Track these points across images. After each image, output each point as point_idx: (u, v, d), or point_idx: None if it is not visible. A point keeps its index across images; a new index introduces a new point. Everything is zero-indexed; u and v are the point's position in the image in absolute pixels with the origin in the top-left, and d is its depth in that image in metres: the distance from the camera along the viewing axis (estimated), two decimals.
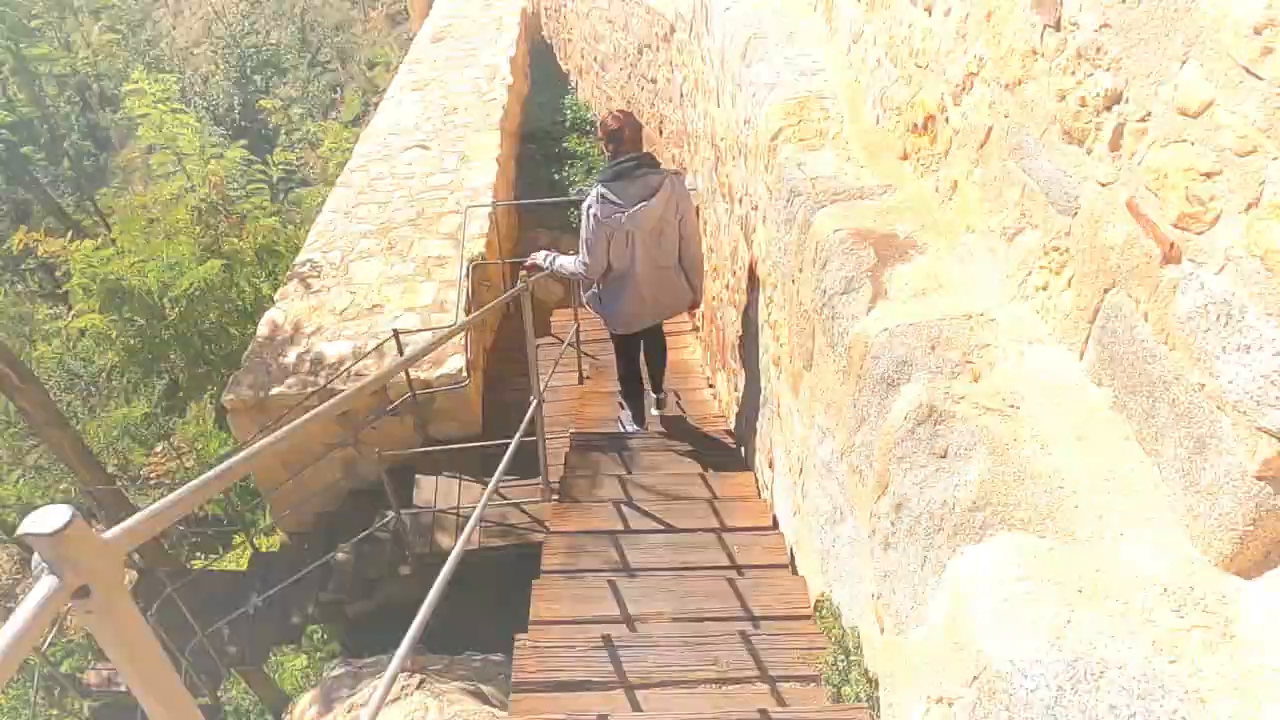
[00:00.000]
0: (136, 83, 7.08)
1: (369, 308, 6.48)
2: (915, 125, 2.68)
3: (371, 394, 5.95)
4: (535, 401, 3.77)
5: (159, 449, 11.91)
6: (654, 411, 5.40)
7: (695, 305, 4.51)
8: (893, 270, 2.28)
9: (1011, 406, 1.77)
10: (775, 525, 3.22)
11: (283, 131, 10.78)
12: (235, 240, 8.30)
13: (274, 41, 16.26)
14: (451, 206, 7.53)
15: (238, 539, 7.89)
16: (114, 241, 8.33)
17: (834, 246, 2.41)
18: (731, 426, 4.79)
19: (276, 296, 6.80)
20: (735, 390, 4.62)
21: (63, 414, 8.68)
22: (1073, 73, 1.77)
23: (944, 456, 1.75)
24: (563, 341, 6.66)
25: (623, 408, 5.33)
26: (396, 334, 5.40)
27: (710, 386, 5.87)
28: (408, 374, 5.66)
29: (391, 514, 5.91)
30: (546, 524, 4.19)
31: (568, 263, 4.39)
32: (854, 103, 3.25)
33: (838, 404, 2.34)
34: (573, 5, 10.20)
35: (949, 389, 1.83)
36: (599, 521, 3.37)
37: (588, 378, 6.30)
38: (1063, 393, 1.74)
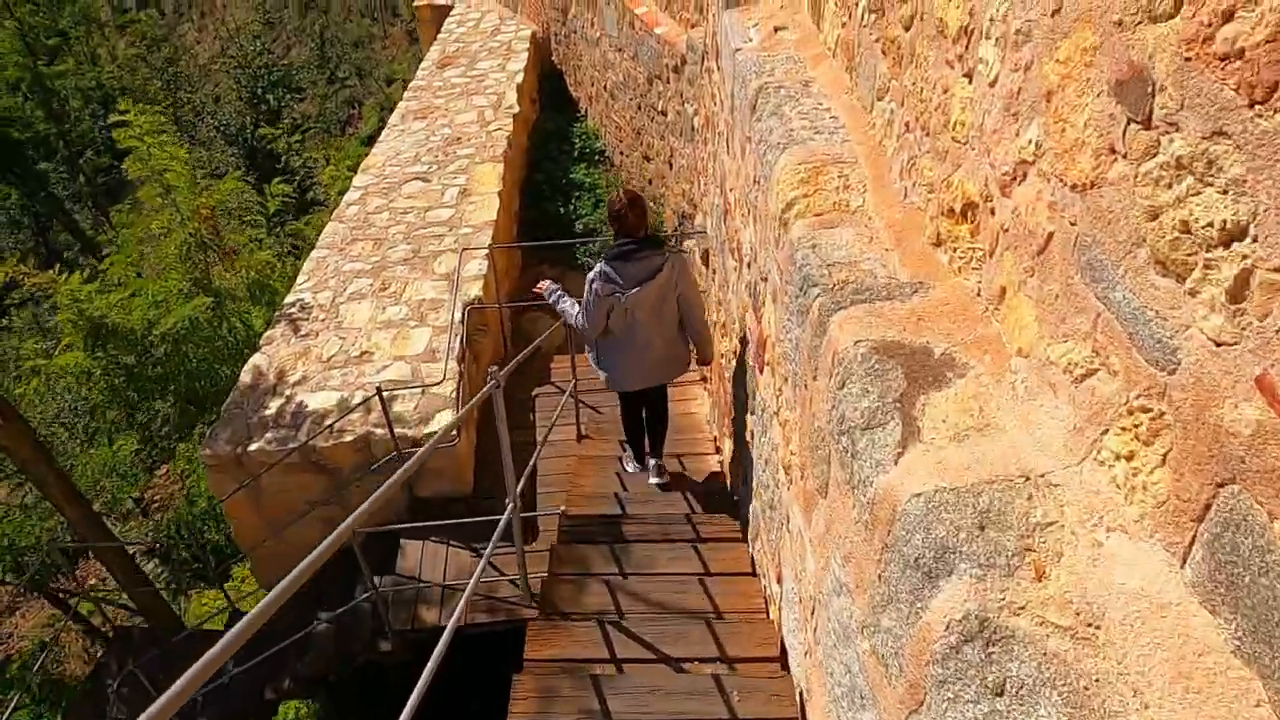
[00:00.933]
0: (125, 113, 6.79)
1: (357, 355, 6.13)
2: (951, 210, 2.26)
3: (355, 450, 5.59)
4: (511, 505, 3.35)
5: (163, 470, 11.61)
6: (653, 480, 5.09)
7: (705, 362, 4.68)
8: (926, 399, 1.86)
9: (1090, 626, 1.34)
10: (783, 654, 2.80)
11: (284, 158, 10.53)
12: (227, 275, 8.00)
13: (287, 61, 16.06)
14: (450, 244, 7.18)
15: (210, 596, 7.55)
16: (102, 274, 8.07)
17: (854, 363, 2.00)
18: (739, 509, 4.36)
19: (262, 340, 6.46)
20: (742, 468, 4.20)
21: (49, 452, 8.38)
22: (1169, 186, 1.35)
23: (1000, 694, 1.33)
24: (563, 391, 6.27)
25: (624, 448, 5.29)
26: (380, 391, 5.02)
27: (717, 451, 5.45)
28: (392, 431, 5.29)
29: (375, 584, 5.54)
30: (532, 610, 3.80)
31: (569, 309, 4.41)
32: (877, 170, 2.84)
33: (858, 561, 1.92)
34: (583, 31, 9.88)
35: (1005, 593, 1.41)
36: (581, 648, 2.96)
37: (586, 436, 5.88)
38: (1159, 614, 1.32)
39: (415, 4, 13.38)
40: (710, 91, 5.80)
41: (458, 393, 5.74)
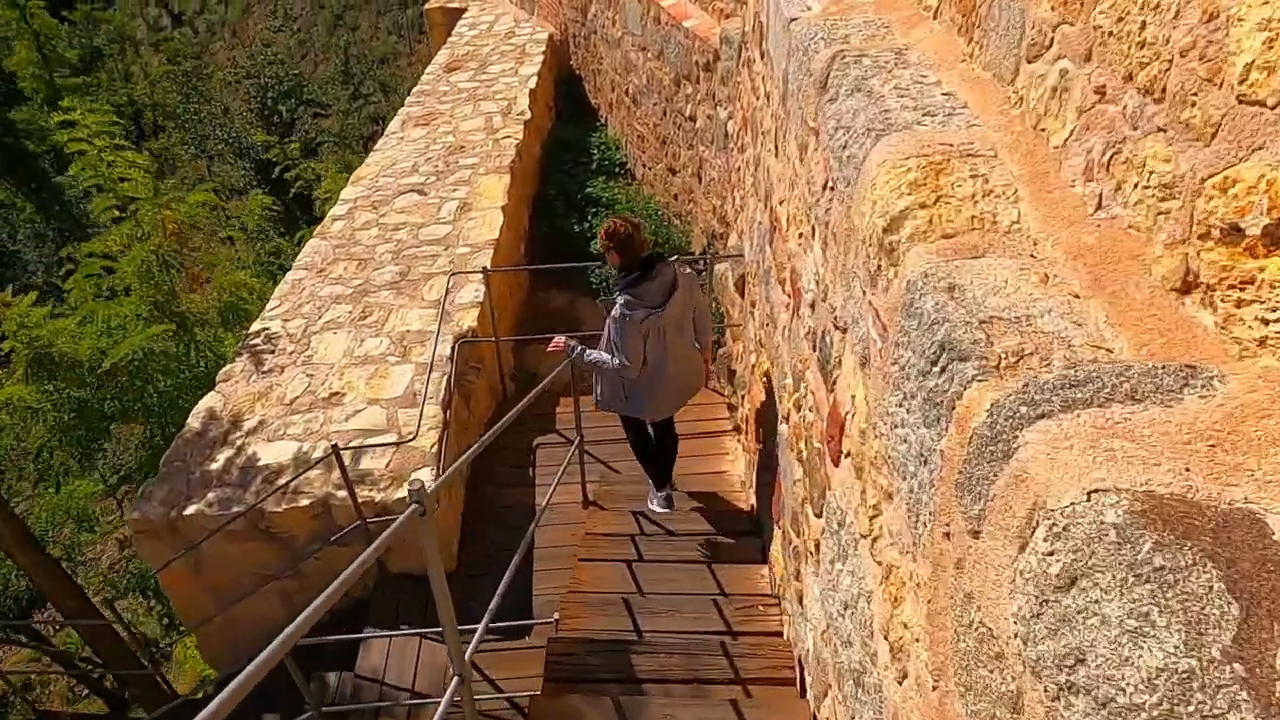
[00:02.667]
0: (67, 112, 5.93)
1: (326, 397, 5.16)
2: (1231, 229, 1.23)
3: (312, 516, 4.61)
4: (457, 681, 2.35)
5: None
6: (658, 509, 4.59)
7: (708, 361, 4.48)
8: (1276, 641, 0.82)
9: None
10: None
11: (276, 168, 9.71)
12: (196, 298, 7.10)
13: (298, 72, 15.34)
14: (444, 265, 6.22)
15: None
16: (65, 296, 7.22)
17: (1096, 545, 0.97)
18: (793, 648, 3.24)
19: (219, 376, 5.52)
20: (796, 581, 3.12)
21: (5, 501, 7.50)
22: None
23: None
24: (569, 441, 5.23)
25: (648, 483, 4.76)
26: (337, 451, 4.03)
27: (755, 532, 4.36)
28: (354, 496, 4.30)
29: (337, 677, 4.53)
30: None
31: (601, 358, 3.97)
32: (1034, 165, 1.81)
33: None
34: (603, 32, 8.96)
35: None
36: None
37: (594, 502, 4.85)
38: None
39: (426, 7, 12.57)
40: (750, 86, 4.81)
41: (440, 446, 4.75)
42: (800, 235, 2.94)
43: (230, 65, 17.02)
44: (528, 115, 8.44)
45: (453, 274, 5.48)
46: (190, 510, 4.56)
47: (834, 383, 2.33)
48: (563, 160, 9.03)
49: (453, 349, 5.38)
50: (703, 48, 6.48)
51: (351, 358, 5.46)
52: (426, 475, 4.54)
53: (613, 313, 3.80)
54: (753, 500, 4.60)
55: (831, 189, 2.35)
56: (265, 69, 15.82)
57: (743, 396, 5.24)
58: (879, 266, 1.83)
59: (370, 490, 4.48)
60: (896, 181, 1.86)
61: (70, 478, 6.88)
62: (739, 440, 5.44)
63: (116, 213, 6.43)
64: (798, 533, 3.00)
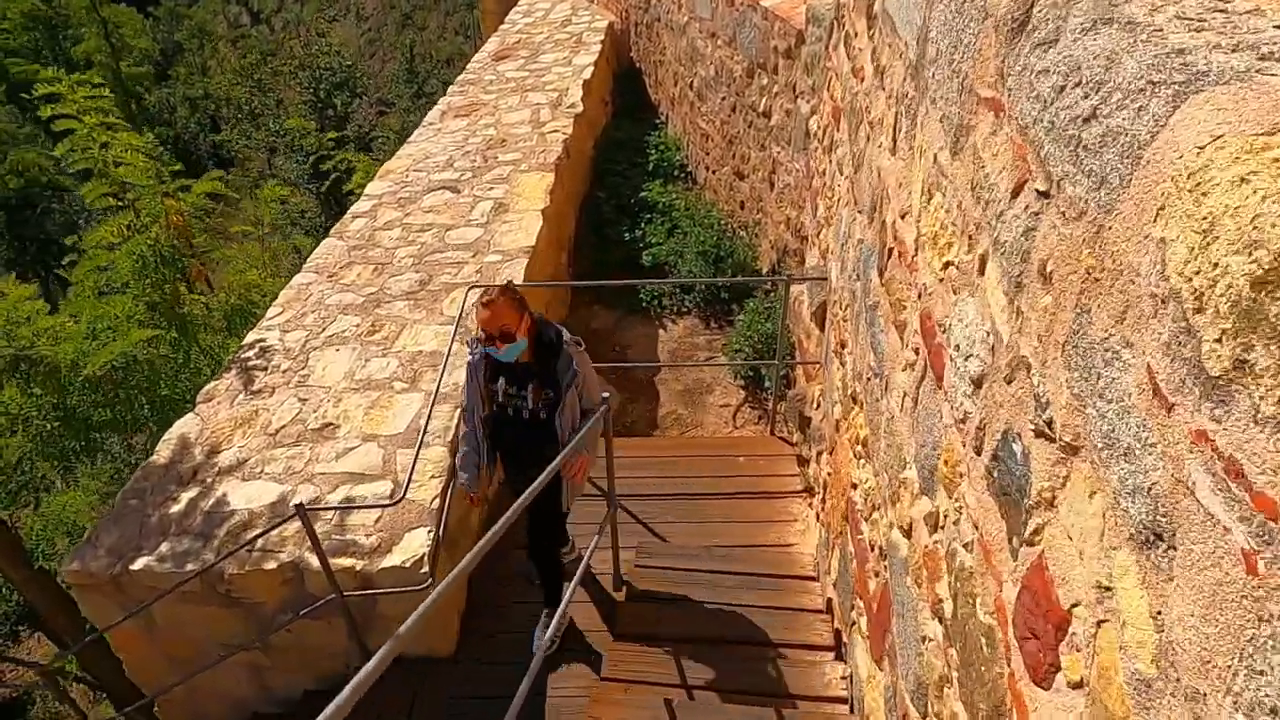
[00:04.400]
0: (52, 84, 5.23)
1: (317, 428, 4.31)
2: None
3: (282, 582, 3.75)
4: None
5: None
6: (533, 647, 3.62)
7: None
8: None
9: None
10: None
11: (309, 157, 9.03)
12: (201, 299, 6.38)
13: (350, 63, 14.79)
14: (469, 276, 5.36)
15: None
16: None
17: None
18: None
19: (200, 396, 4.73)
20: None
21: None
22: None
23: None
24: (603, 493, 4.28)
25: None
26: (302, 511, 3.16)
27: (836, 651, 3.34)
28: (326, 565, 3.42)
29: None
30: None
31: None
32: None
33: None
34: (667, 18, 8.03)
35: None
36: None
37: (626, 582, 3.89)
38: None
39: None
40: (849, 68, 3.81)
41: (444, 500, 3.85)
42: (949, 266, 1.95)
43: (288, 56, 16.56)
44: (579, 108, 7.56)
45: (471, 286, 4.60)
46: (138, 565, 3.74)
47: (1036, 537, 1.34)
48: (616, 160, 8.13)
49: (469, 377, 4.49)
50: (784, 30, 5.50)
51: (352, 381, 4.62)
52: (422, 539, 3.64)
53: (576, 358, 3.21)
54: (831, 594, 3.58)
55: (1045, 196, 1.36)
56: (319, 59, 15.29)
57: (819, 453, 4.24)
58: (1241, 361, 0.84)
59: (350, 558, 3.60)
60: (1272, 177, 0.87)
61: (52, 493, 6.20)
62: (810, 504, 4.44)
63: (113, 201, 5.73)
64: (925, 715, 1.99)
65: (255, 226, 6.98)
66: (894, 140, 2.69)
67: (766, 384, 5.58)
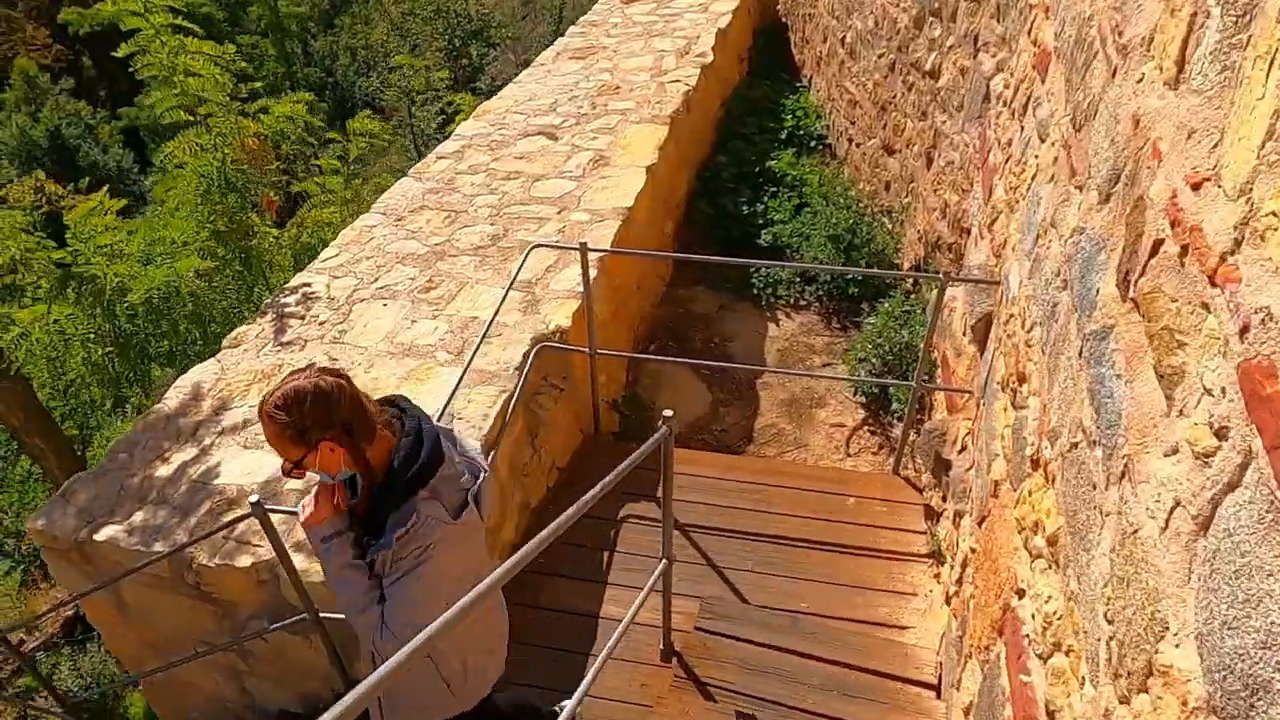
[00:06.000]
0: None
1: None
2: None
3: (257, 584, 3.05)
4: None
5: None
6: None
7: None
8: None
9: None
10: None
11: (414, 99, 8.45)
12: (272, 232, 5.85)
13: (487, 10, 14.28)
14: (549, 234, 4.54)
15: None
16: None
17: None
18: None
19: (227, 340, 4.13)
20: None
21: (52, 420, 6.69)
22: None
23: None
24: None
25: None
26: (260, 510, 2.40)
27: None
28: (294, 575, 2.67)
29: None
30: None
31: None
32: None
33: None
34: None
35: None
36: None
37: (678, 653, 2.98)
38: None
39: None
40: None
41: None
42: None
43: (426, 1, 16.25)
44: (709, 59, 6.57)
45: (534, 246, 3.74)
46: (102, 535, 3.13)
47: None
48: (745, 124, 7.11)
49: (527, 355, 3.68)
50: None
51: (391, 344, 3.89)
52: None
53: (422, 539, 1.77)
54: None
55: None
56: (452, 4, 14.86)
57: (958, 514, 3.18)
58: None
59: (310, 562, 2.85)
60: None
61: (98, 416, 5.86)
62: (938, 577, 3.38)
63: (184, 115, 5.21)
64: None
65: (341, 162, 6.45)
66: (1180, 63, 1.62)
67: (894, 407, 4.50)
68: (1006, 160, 3.47)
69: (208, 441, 3.50)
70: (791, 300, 5.47)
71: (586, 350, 3.83)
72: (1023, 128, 3.28)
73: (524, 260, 3.65)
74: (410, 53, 16.45)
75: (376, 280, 4.38)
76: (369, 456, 1.75)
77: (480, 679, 2.13)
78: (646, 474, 3.96)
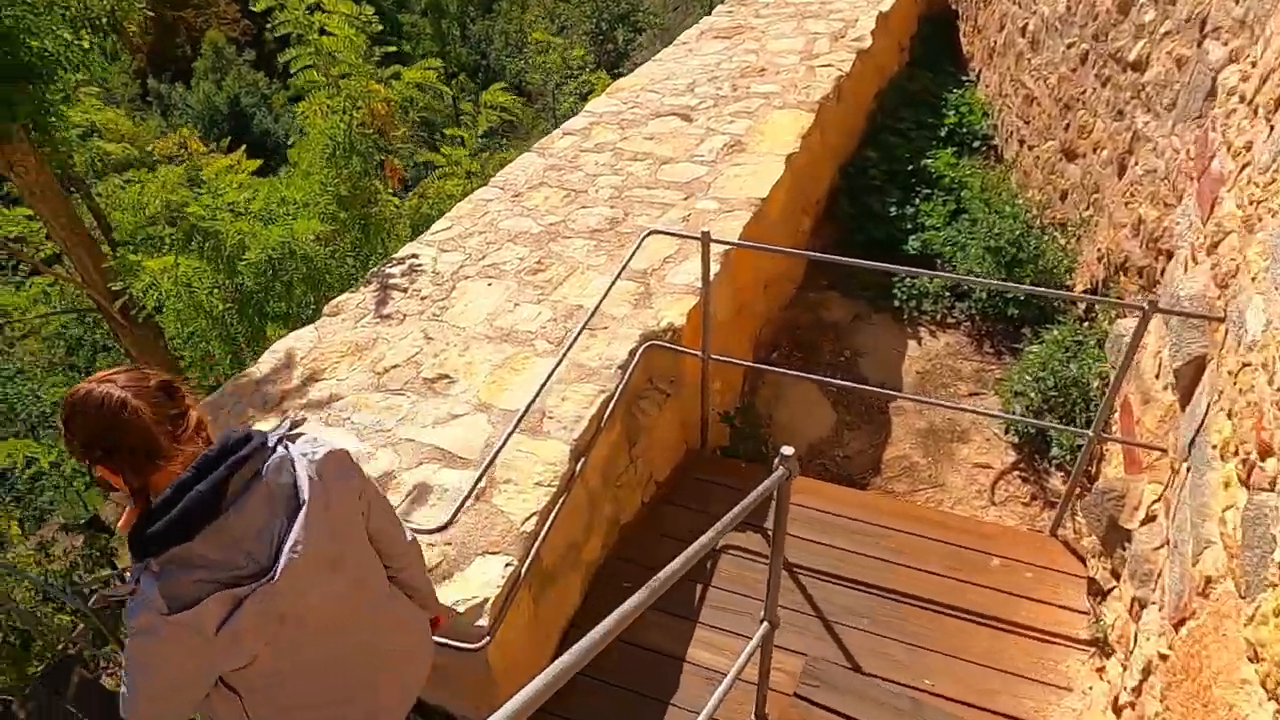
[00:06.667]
0: None
1: (430, 377, 3.35)
2: None
3: None
4: None
5: None
6: None
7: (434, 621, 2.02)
8: None
9: None
10: None
11: (550, 77, 8.25)
12: (394, 201, 5.74)
13: None
14: (672, 221, 4.14)
15: None
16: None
17: None
18: None
19: (328, 307, 3.96)
20: None
21: (178, 369, 6.90)
22: None
23: None
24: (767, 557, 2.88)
25: None
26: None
27: None
28: None
29: None
30: None
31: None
32: None
33: None
34: None
35: None
36: None
37: None
38: None
39: None
40: None
41: (544, 522, 2.70)
42: None
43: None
44: (866, 43, 5.98)
45: (650, 231, 3.34)
46: None
47: None
48: (901, 117, 6.46)
49: (633, 353, 3.30)
50: None
51: (490, 327, 3.60)
52: (494, 575, 2.52)
53: (129, 619, 1.42)
54: None
55: None
56: None
57: (1137, 603, 2.56)
58: None
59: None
60: None
61: (216, 371, 5.93)
62: (1102, 673, 2.76)
63: (316, 75, 5.14)
64: None
65: (470, 134, 6.29)
66: None
67: (1054, 453, 3.84)
68: (1242, 169, 2.78)
69: (289, 414, 3.31)
70: (938, 316, 4.84)
71: (700, 354, 3.40)
72: (1272, 128, 2.60)
73: (637, 246, 3.26)
74: (558, 35, 16.44)
75: (484, 258, 4.11)
76: (151, 486, 1.43)
77: None
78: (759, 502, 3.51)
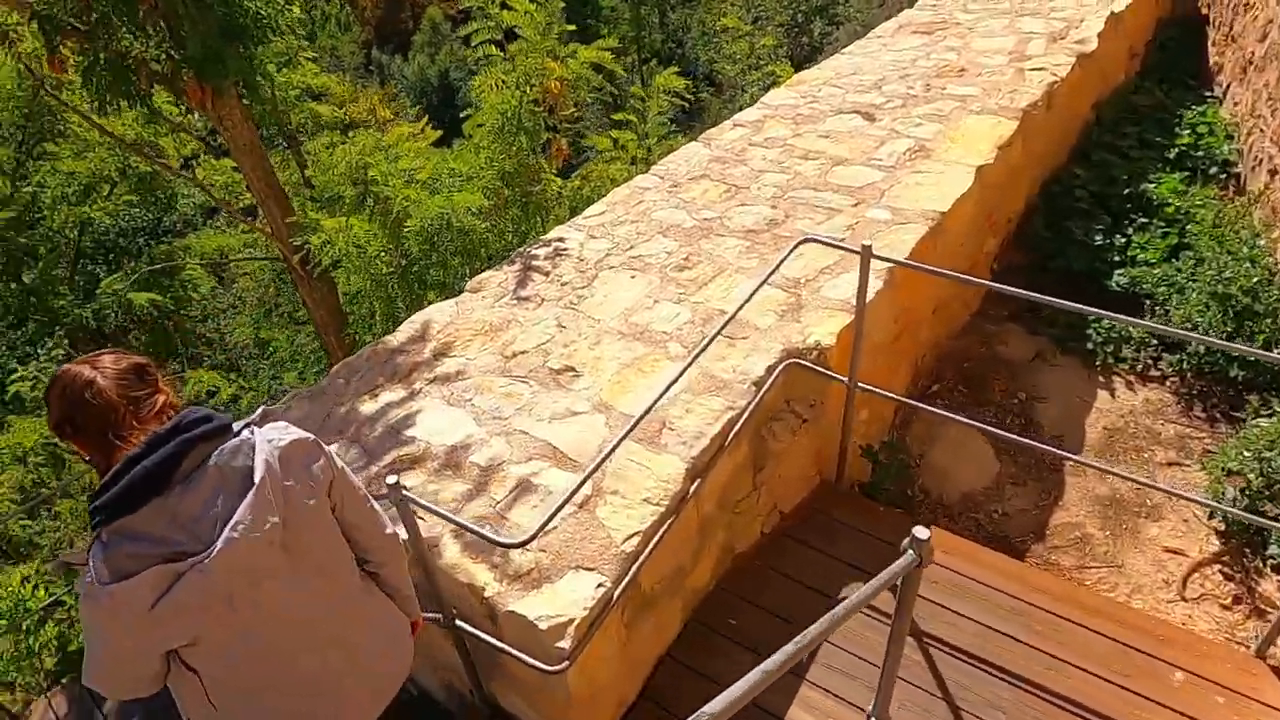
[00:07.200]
0: None
1: (556, 368, 3.22)
2: None
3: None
4: None
5: None
6: None
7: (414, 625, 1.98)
8: None
9: None
10: None
11: (734, 64, 7.96)
12: (557, 181, 5.70)
13: None
14: (837, 229, 3.79)
15: None
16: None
17: None
18: None
19: (471, 282, 3.94)
20: None
21: (345, 317, 7.27)
22: None
23: None
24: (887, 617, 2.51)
25: None
26: (399, 495, 2.01)
27: None
28: (429, 568, 2.30)
29: None
30: None
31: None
32: None
33: None
34: None
35: None
36: None
37: None
38: None
39: None
40: None
41: (649, 541, 2.49)
42: None
43: None
44: (1090, 47, 5.27)
45: (805, 239, 3.00)
46: None
47: None
48: (1123, 133, 5.67)
49: (772, 369, 3.00)
50: None
51: (625, 322, 3.41)
52: (585, 593, 2.33)
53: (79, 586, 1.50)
54: None
55: None
56: None
57: None
58: None
59: (486, 568, 2.44)
60: None
61: (374, 332, 6.14)
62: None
63: (494, 50, 5.16)
64: None
65: (639, 118, 6.14)
66: None
67: (1274, 551, 3.17)
68: None
69: (417, 386, 3.28)
70: (1139, 367, 4.17)
71: (845, 380, 3.05)
72: None
73: (790, 252, 2.95)
74: (752, 25, 16.07)
75: (632, 248, 3.93)
76: (113, 462, 1.48)
77: None
78: (884, 547, 3.13)
